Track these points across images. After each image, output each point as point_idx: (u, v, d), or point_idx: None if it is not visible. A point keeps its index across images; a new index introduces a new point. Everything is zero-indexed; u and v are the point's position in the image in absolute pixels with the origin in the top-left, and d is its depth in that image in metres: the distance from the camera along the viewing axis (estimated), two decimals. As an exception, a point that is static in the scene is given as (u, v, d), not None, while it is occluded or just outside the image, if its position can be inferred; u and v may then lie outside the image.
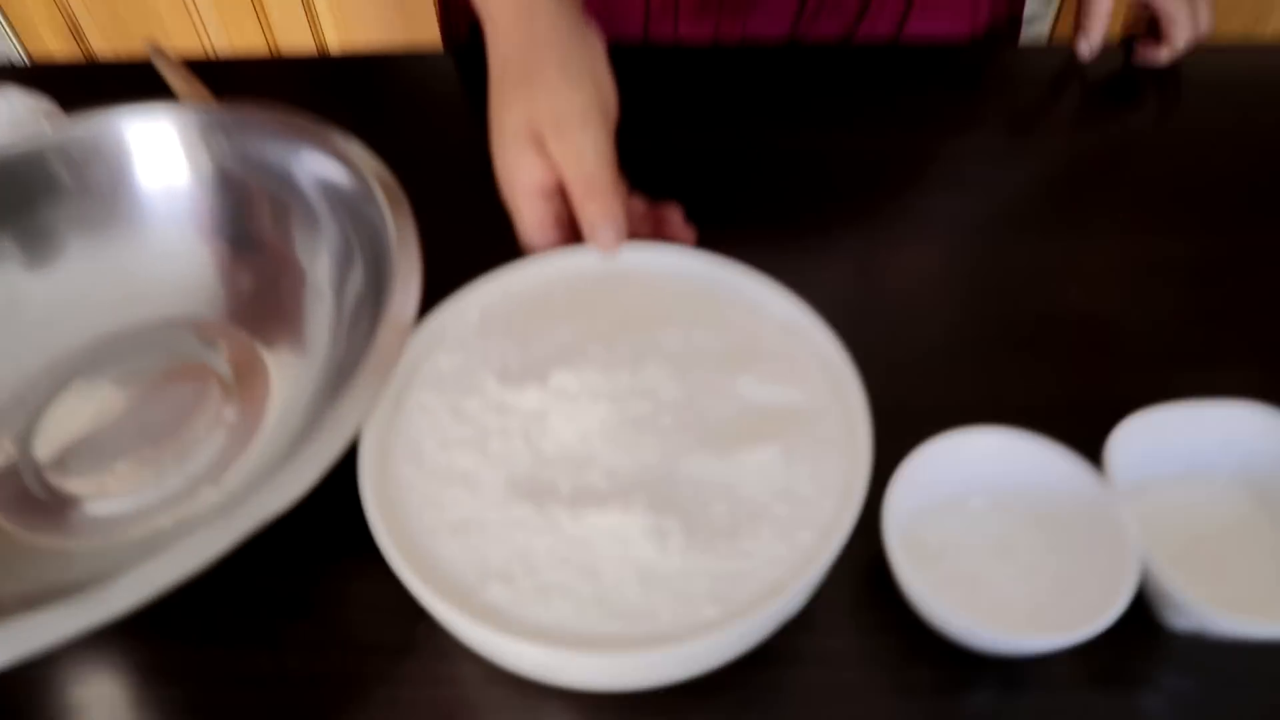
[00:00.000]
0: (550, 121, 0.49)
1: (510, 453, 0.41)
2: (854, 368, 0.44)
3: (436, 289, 0.48)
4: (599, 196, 0.49)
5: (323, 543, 0.46)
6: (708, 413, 0.41)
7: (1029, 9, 0.90)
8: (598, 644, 0.35)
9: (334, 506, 0.41)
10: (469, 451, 0.41)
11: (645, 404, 0.41)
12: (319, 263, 0.55)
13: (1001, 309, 0.60)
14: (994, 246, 0.65)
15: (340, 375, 0.49)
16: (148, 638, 0.45)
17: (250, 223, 0.57)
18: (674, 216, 0.56)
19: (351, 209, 0.53)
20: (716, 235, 0.55)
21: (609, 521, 0.38)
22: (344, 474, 0.40)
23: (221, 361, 0.54)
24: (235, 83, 0.75)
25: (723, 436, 0.40)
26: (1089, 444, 0.46)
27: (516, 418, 0.42)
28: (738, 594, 0.36)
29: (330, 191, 0.55)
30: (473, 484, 0.40)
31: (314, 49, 1.93)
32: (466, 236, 0.53)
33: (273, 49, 1.92)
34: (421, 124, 0.76)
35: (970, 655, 0.43)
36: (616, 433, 0.40)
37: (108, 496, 0.48)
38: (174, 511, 0.47)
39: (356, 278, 0.53)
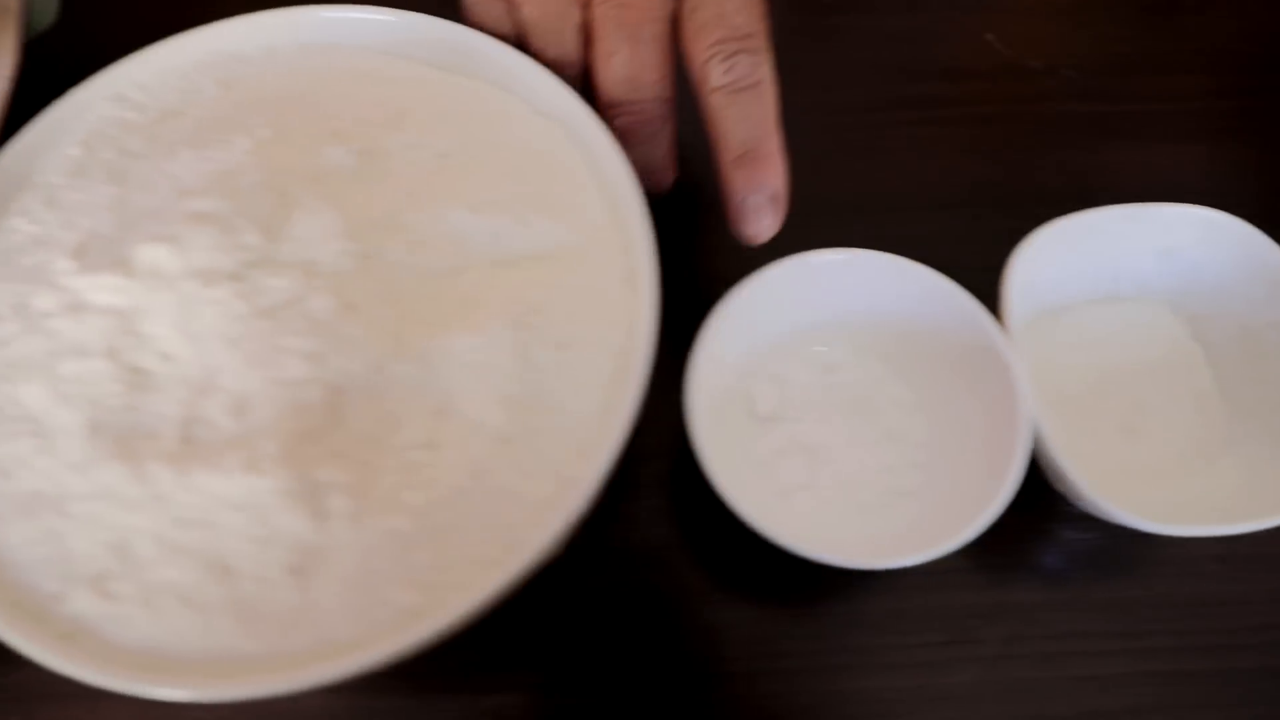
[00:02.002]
0: None
1: (92, 380, 0.26)
2: (631, 175, 0.30)
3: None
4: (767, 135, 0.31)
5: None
6: (397, 280, 0.26)
7: None
8: (237, 671, 0.23)
9: None
10: (35, 379, 0.26)
11: (291, 280, 0.26)
12: None
13: (894, 65, 0.44)
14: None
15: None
16: None
17: None
18: None
19: None
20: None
21: (231, 485, 0.24)
22: None
23: None
24: None
25: (418, 316, 0.26)
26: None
27: (97, 321, 0.26)
28: (446, 568, 0.24)
29: None
30: (43, 432, 0.26)
31: None
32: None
33: None
34: None
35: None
36: (247, 335, 0.25)
37: None
38: None
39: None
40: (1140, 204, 0.34)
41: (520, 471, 0.25)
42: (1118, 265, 0.36)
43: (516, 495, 0.25)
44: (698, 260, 0.38)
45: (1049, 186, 0.41)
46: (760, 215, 0.31)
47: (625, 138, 0.32)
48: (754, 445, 0.34)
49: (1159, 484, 0.34)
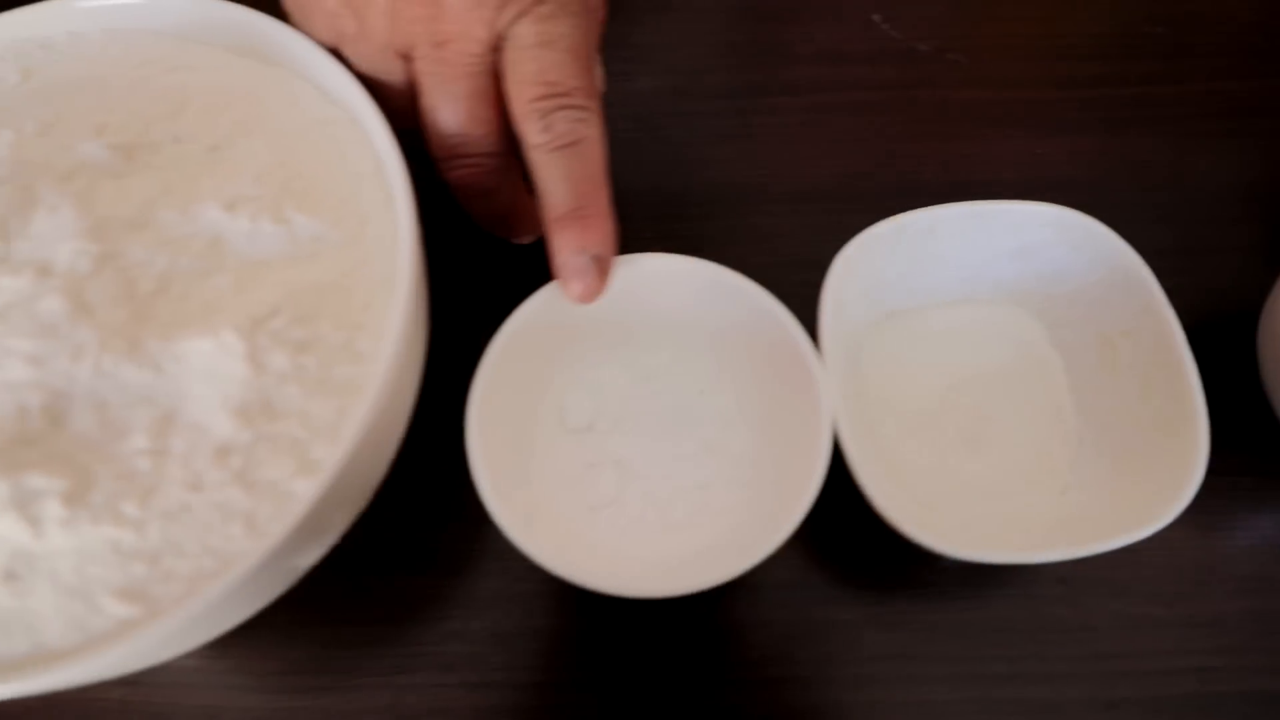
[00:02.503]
0: None
1: None
2: (404, 170, 0.28)
3: None
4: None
5: None
6: (137, 282, 0.25)
7: None
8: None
9: None
10: None
11: (24, 281, 0.25)
12: None
13: (769, 45, 0.42)
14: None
15: None
16: None
17: None
18: None
19: None
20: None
21: (-57, 490, 0.23)
22: None
23: None
24: None
25: (155, 320, 0.25)
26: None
27: None
28: (164, 580, 0.23)
29: None
30: None
31: None
32: None
33: None
34: None
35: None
36: (-27, 338, 0.25)
37: None
38: None
39: None
40: (985, 201, 0.32)
41: (243, 484, 0.24)
42: (969, 266, 0.34)
43: (237, 509, 0.24)
44: (515, 265, 0.36)
45: (925, 179, 0.39)
46: (582, 276, 0.30)
47: (461, 191, 0.32)
48: (566, 457, 0.32)
49: (1000, 500, 0.32)
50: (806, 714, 0.31)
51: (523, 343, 0.30)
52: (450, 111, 0.30)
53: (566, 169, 0.29)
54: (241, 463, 0.25)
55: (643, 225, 0.37)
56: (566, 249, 0.29)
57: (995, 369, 0.34)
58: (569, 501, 0.31)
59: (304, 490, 0.24)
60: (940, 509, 0.32)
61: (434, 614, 0.32)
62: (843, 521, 0.33)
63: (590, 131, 0.29)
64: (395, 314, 0.26)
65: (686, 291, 0.32)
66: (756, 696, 0.31)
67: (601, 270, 0.30)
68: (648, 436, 0.33)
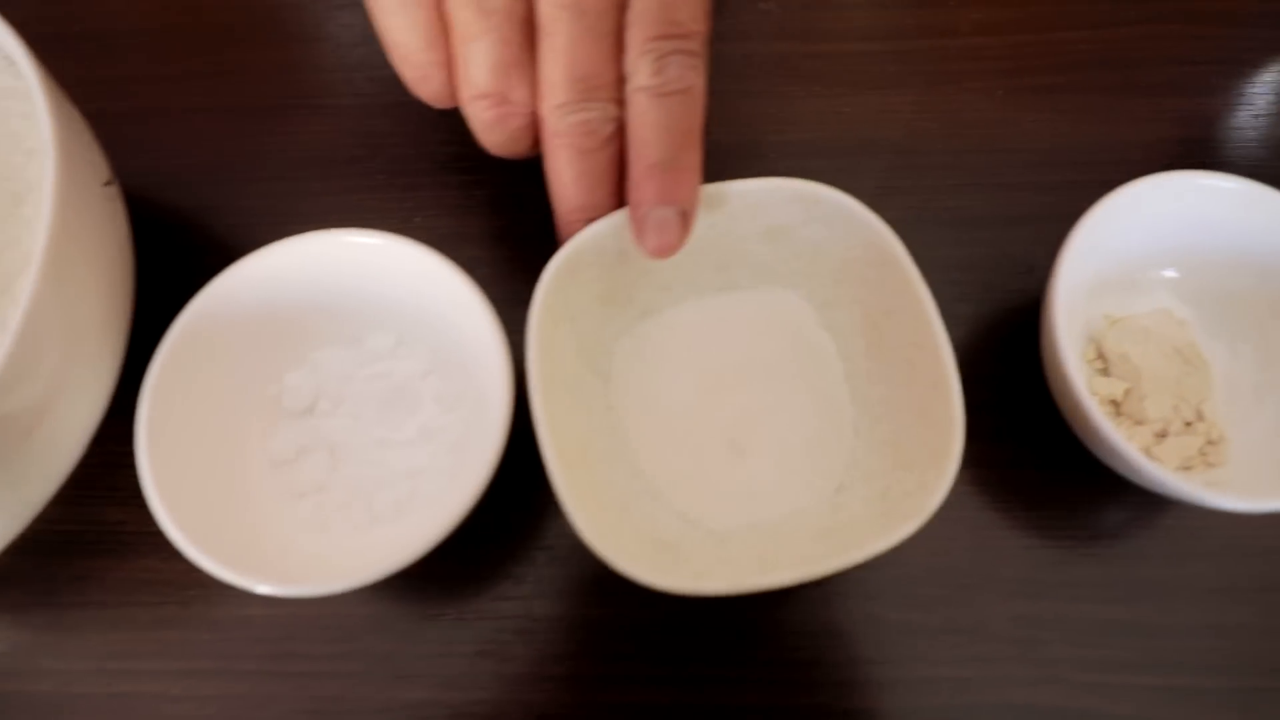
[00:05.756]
0: None
1: None
2: (60, 150, 0.26)
3: None
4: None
5: None
6: None
7: None
8: None
9: None
10: None
11: None
12: None
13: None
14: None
15: None
16: None
17: None
18: None
19: None
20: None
21: None
22: None
23: None
24: None
25: None
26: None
27: None
28: None
29: None
30: None
31: None
32: None
33: None
34: None
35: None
36: None
37: None
38: None
39: None
40: (709, 184, 0.29)
41: None
42: (719, 252, 0.31)
43: None
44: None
45: (710, 140, 0.35)
46: (663, 230, 0.28)
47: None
48: (281, 442, 0.31)
49: (769, 506, 0.30)
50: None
51: (218, 325, 0.29)
52: (584, 49, 0.27)
53: (669, 117, 0.27)
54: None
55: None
56: (655, 199, 0.27)
57: (763, 361, 0.31)
58: (275, 488, 0.30)
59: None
60: (702, 521, 0.30)
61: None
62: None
63: (699, 80, 0.27)
64: (28, 290, 0.24)
65: (408, 274, 0.30)
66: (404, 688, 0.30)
67: (685, 225, 0.28)
68: (364, 421, 0.31)
